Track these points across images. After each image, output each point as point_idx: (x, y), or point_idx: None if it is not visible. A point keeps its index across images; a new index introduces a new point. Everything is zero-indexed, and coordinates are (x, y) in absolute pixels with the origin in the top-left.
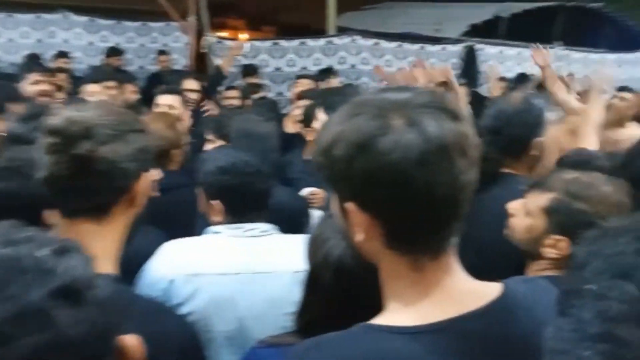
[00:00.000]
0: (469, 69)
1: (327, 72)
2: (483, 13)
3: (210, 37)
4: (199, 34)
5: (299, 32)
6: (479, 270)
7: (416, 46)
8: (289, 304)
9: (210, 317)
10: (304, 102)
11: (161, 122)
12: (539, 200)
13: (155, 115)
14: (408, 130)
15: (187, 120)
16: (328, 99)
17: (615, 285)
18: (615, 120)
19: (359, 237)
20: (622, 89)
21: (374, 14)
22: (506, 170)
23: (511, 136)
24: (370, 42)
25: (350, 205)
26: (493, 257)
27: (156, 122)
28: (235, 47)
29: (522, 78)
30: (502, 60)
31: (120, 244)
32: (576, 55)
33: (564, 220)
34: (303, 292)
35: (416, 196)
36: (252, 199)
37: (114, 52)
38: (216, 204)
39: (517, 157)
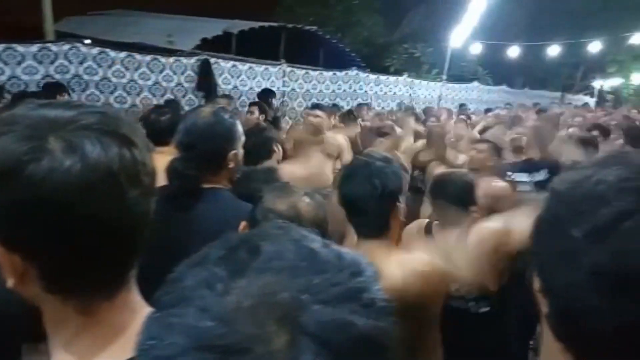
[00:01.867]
0: (205, 82)
1: (56, 88)
2: (213, 28)
3: None
4: None
5: (12, 35)
6: None
7: (148, 57)
8: None
9: None
10: None
11: None
12: None
13: None
14: (67, 156)
15: None
16: None
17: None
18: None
19: (11, 282)
20: (315, 106)
21: (102, 21)
22: (207, 186)
23: (206, 150)
24: (95, 50)
25: None
26: None
27: None
28: None
29: (266, 92)
30: (237, 75)
31: None
32: (299, 72)
33: (254, 212)
34: None
35: (78, 232)
36: None
37: None
38: None
39: (216, 171)
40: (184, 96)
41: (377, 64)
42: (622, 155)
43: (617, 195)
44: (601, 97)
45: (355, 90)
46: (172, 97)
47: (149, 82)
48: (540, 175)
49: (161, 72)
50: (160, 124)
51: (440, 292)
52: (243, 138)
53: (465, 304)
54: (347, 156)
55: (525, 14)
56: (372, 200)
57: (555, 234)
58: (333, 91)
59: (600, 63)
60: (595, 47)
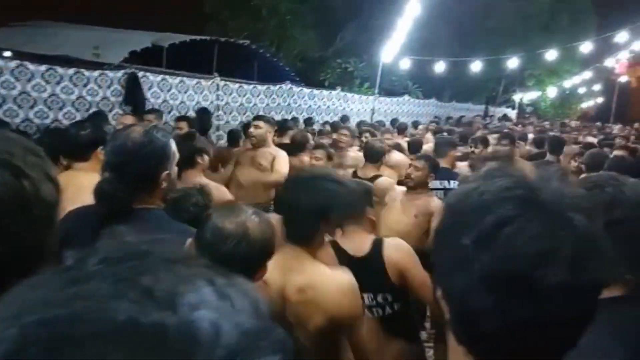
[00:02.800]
0: (134, 96)
1: None
2: (142, 40)
3: None
4: None
5: None
6: None
7: (71, 70)
8: None
9: None
10: None
11: None
12: None
13: None
14: None
15: None
16: None
17: None
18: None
19: None
20: (258, 117)
21: (24, 32)
22: (140, 206)
23: (137, 172)
24: (13, 63)
25: None
26: None
27: None
28: None
29: (202, 111)
30: (167, 88)
31: None
32: (233, 85)
33: (203, 230)
34: None
35: None
36: None
37: None
38: None
39: (147, 191)
40: (110, 110)
41: (311, 78)
42: (503, 167)
43: (498, 203)
44: (521, 109)
45: (289, 104)
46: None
47: (73, 97)
48: (452, 185)
49: (85, 85)
50: (80, 139)
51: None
52: (177, 156)
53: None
54: (284, 167)
55: (450, 31)
56: (302, 212)
57: (449, 243)
58: (267, 105)
59: (520, 77)
60: (513, 63)
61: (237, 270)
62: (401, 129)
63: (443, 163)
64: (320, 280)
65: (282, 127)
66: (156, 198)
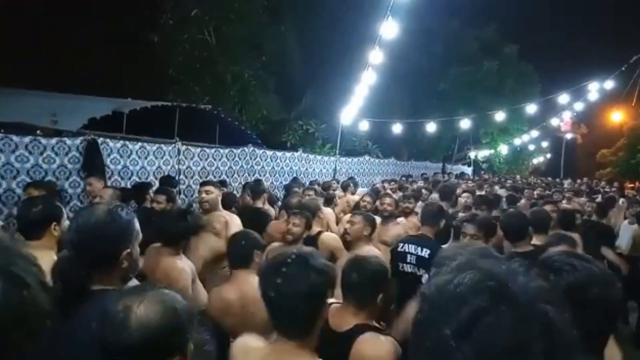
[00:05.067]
0: (93, 163)
1: None
2: (102, 107)
3: None
4: None
5: None
6: None
7: (27, 138)
8: None
9: None
10: None
11: None
12: None
13: None
14: None
15: None
16: None
17: None
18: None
19: None
20: (206, 183)
21: None
22: (96, 287)
23: (96, 250)
24: None
25: None
26: None
27: None
28: None
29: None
30: (127, 154)
31: None
32: (195, 149)
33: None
34: None
35: None
36: None
37: None
38: None
39: (107, 271)
40: (67, 178)
41: (274, 140)
42: (473, 261)
43: (473, 295)
44: (477, 166)
45: (252, 166)
46: (53, 179)
47: (28, 165)
48: (424, 253)
49: (42, 153)
50: (31, 216)
51: None
52: (140, 236)
53: None
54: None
55: (405, 94)
56: (305, 299)
57: (429, 334)
58: (230, 167)
59: (475, 136)
60: (465, 123)
61: None
62: (345, 186)
63: (430, 233)
64: None
65: (255, 190)
66: (115, 278)
